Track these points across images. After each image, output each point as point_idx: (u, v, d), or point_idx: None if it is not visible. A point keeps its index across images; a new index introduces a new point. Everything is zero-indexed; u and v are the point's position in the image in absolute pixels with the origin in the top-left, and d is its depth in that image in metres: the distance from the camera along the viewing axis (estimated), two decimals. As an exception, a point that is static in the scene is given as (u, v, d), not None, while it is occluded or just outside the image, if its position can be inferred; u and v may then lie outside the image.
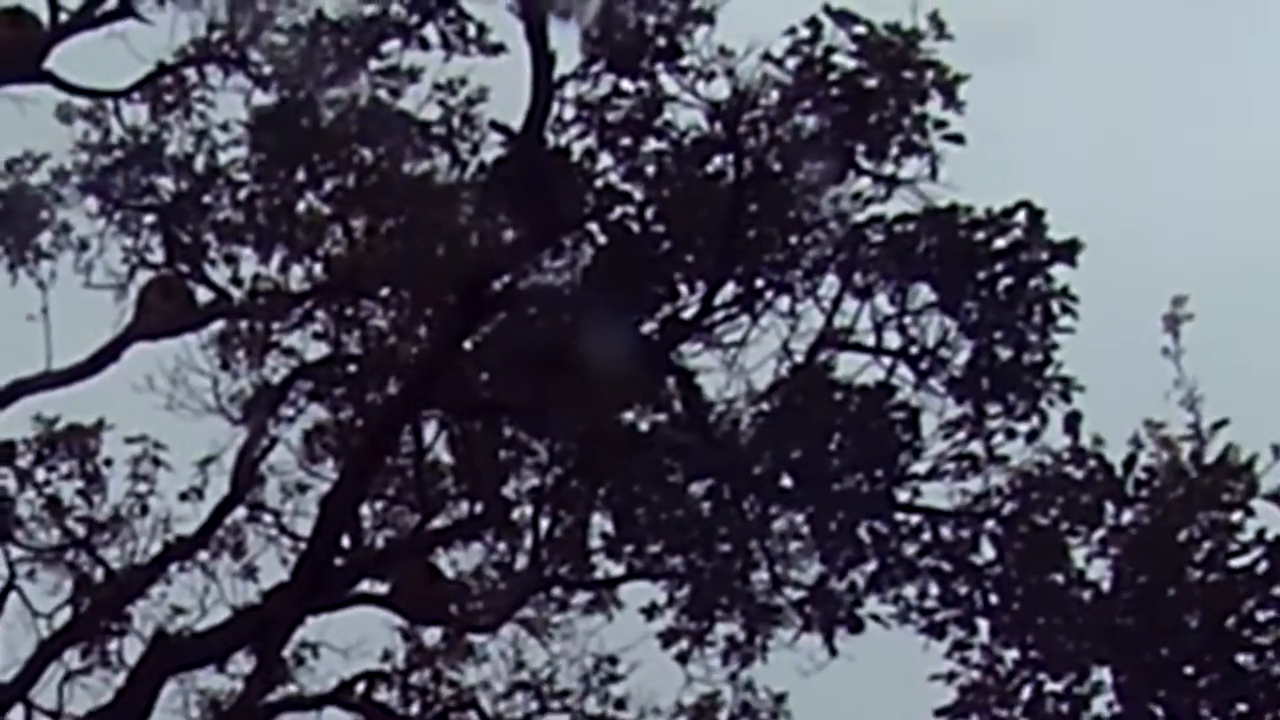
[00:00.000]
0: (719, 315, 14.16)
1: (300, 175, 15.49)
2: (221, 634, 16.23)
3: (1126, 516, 12.91)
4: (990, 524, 13.65)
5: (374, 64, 15.04)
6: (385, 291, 15.83)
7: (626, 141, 14.03)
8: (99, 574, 17.30)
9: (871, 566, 14.12)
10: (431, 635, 16.98)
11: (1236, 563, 12.39)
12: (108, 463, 17.01)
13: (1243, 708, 12.31)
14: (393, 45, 14.72)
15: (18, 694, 16.86)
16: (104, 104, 15.91)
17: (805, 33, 13.33)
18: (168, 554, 16.89)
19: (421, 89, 15.23)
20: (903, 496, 13.98)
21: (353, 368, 16.29)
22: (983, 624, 13.48)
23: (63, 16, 15.21)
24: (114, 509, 17.03)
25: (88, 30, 15.23)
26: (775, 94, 13.58)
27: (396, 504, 16.71)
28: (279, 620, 16.10)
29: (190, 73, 15.58)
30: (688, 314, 14.28)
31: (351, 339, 16.28)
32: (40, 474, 17.02)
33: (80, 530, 17.14)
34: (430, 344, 15.39)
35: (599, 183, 14.15)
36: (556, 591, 16.53)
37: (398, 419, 15.27)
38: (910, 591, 13.96)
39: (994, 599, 13.56)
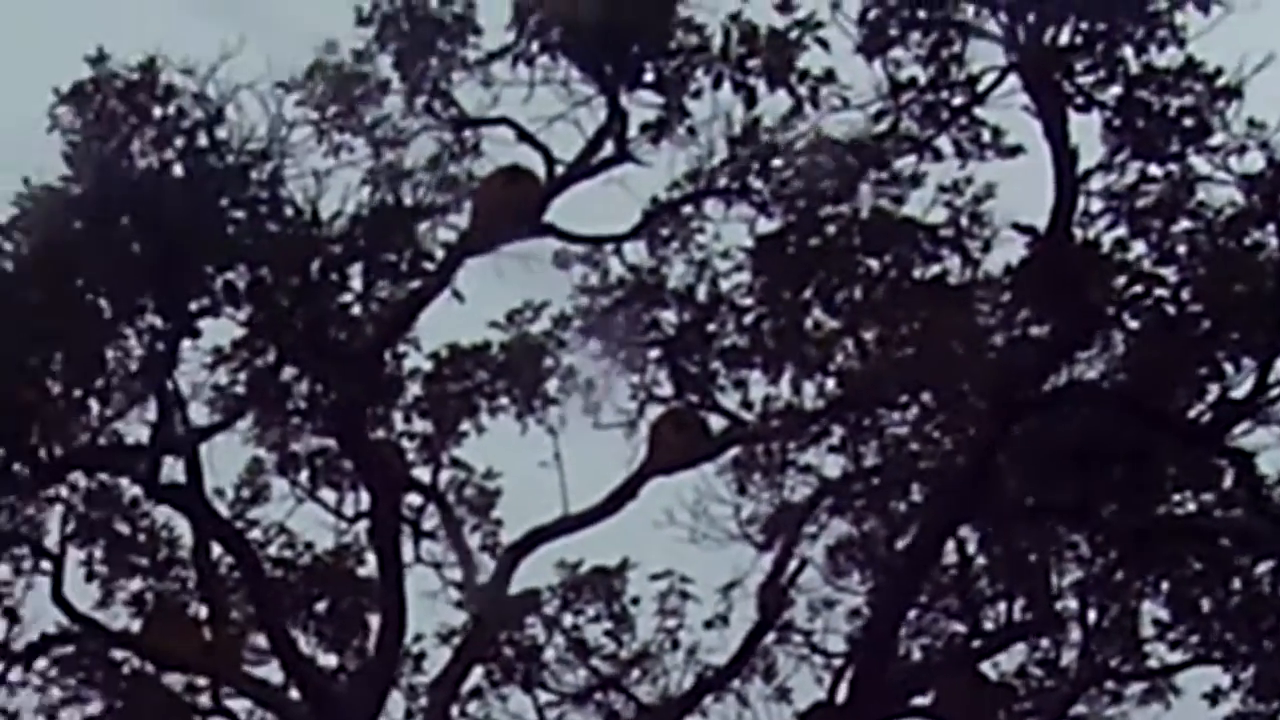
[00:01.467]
0: (1274, 393, 15.40)
1: (806, 293, 17.14)
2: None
3: None
4: None
5: (875, 174, 16.64)
6: (903, 399, 17.41)
7: (1157, 225, 15.39)
8: (630, 711, 19.22)
9: None
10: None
11: None
12: (634, 601, 18.93)
13: None
14: (905, 161, 16.28)
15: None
16: (602, 246, 17.84)
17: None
18: (701, 686, 18.67)
19: (925, 193, 16.81)
20: None
21: (874, 479, 17.91)
22: None
23: (559, 169, 17.14)
24: (643, 645, 18.93)
25: (584, 180, 17.12)
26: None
27: (929, 610, 18.25)
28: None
29: (688, 208, 17.37)
30: (1238, 393, 15.54)
31: (869, 450, 17.90)
32: (567, 619, 19.02)
33: (609, 669, 19.06)
34: (962, 451, 16.88)
35: (1130, 270, 15.50)
36: (1109, 684, 17.88)
37: (937, 532, 16.77)
38: None
39: None
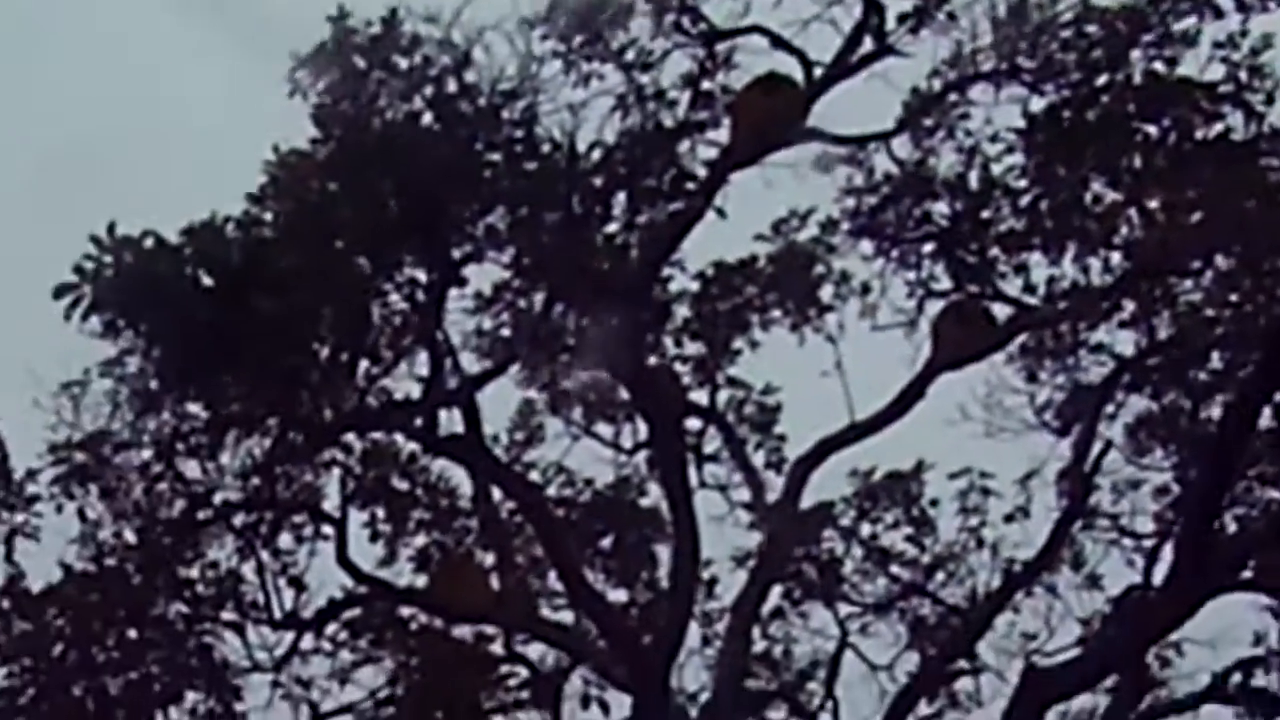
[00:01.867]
0: None
1: (1084, 168, 17.01)
2: (1095, 655, 17.95)
3: None
4: None
5: (1147, 38, 16.46)
6: (1196, 265, 17.27)
7: None
8: (936, 616, 19.34)
9: None
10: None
11: None
12: (933, 503, 19.00)
13: None
14: (1186, 22, 16.08)
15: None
16: (865, 145, 17.80)
17: None
18: (1009, 582, 18.73)
19: (1199, 51, 16.59)
20: None
21: (1171, 352, 17.78)
22: None
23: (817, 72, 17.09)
24: (945, 547, 19.01)
25: (844, 80, 17.08)
26: None
27: (1244, 478, 18.06)
28: (1150, 626, 17.72)
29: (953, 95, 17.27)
30: None
31: (1163, 322, 17.78)
32: (864, 528, 19.13)
33: (911, 576, 19.16)
34: (1263, 313, 16.72)
35: None
36: None
37: (1250, 398, 16.61)
38: None
39: None
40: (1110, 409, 18.05)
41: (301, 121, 17.06)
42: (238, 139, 18.31)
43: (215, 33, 20.61)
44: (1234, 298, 17.16)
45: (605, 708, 18.84)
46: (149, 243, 16.58)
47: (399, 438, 19.02)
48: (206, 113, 21.66)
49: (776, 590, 19.20)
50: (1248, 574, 17.79)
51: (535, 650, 19.87)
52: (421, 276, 17.49)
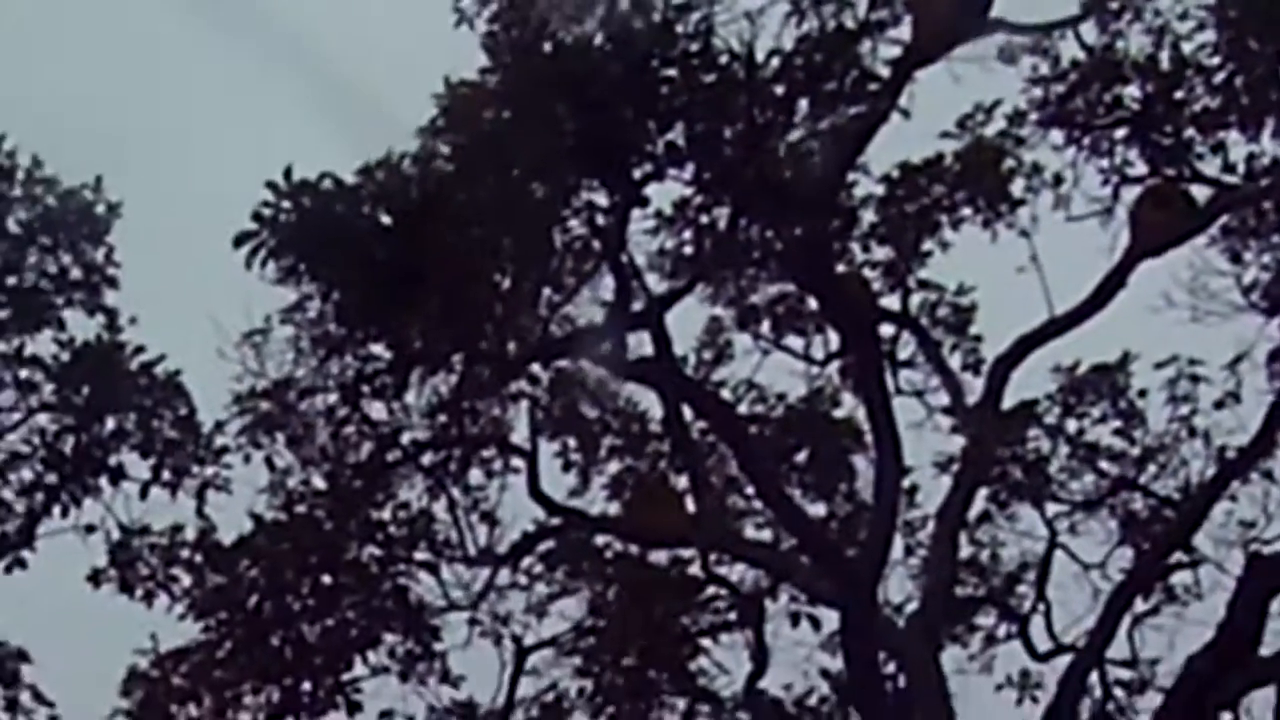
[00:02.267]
0: None
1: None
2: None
3: None
4: None
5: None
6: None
7: None
8: (1147, 510, 19.36)
9: None
10: None
11: None
12: (1141, 394, 19.00)
13: None
14: None
15: (1097, 654, 19.05)
16: (1048, 33, 17.73)
17: None
18: (1224, 471, 18.71)
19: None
20: None
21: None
22: None
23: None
24: (1155, 439, 19.02)
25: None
26: None
27: None
28: None
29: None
30: None
31: None
32: (1071, 424, 19.17)
33: (1121, 470, 19.18)
34: None
35: None
36: None
37: None
38: None
39: None
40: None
41: (471, 51, 17.14)
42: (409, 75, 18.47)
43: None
44: None
45: (816, 624, 19.04)
46: (326, 185, 16.77)
47: (586, 365, 19.18)
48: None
49: (982, 494, 19.23)
50: None
51: (734, 571, 20.04)
52: (601, 200, 17.58)
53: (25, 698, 19.78)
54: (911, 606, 19.27)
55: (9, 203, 18.65)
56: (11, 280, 18.85)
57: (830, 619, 18.80)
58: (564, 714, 20.14)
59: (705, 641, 19.87)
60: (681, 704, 19.90)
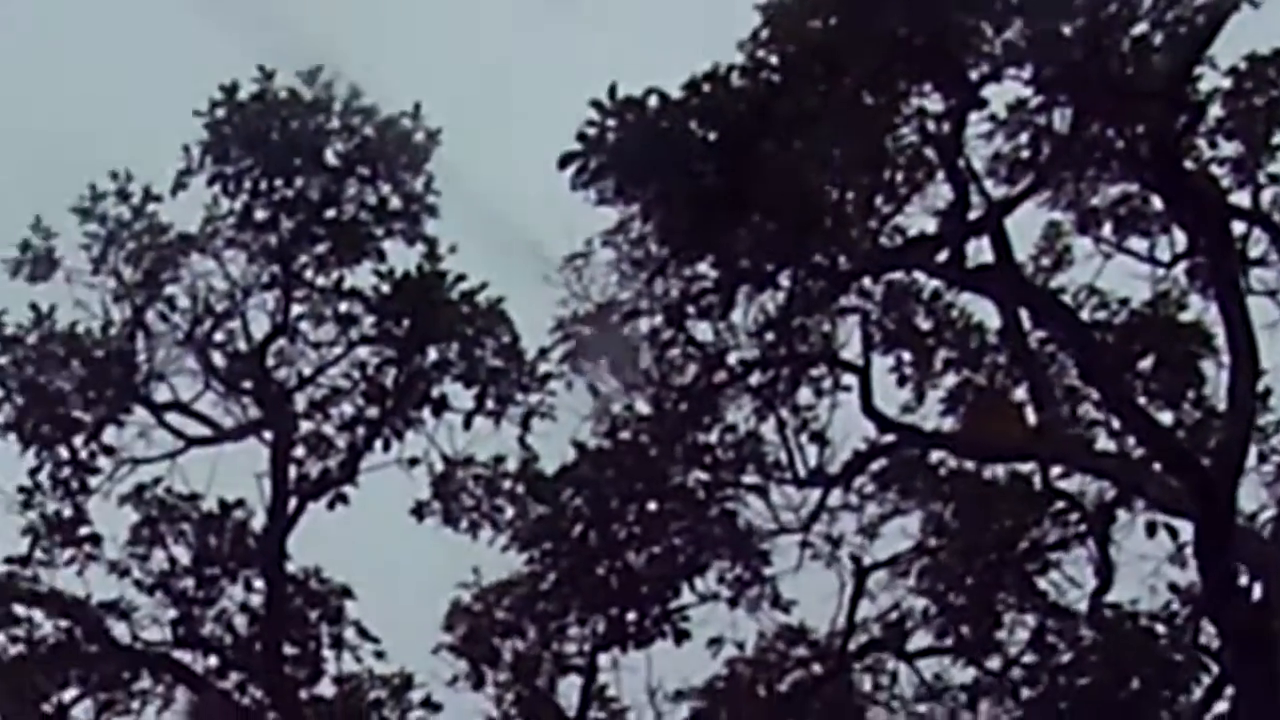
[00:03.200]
0: None
1: None
2: None
3: None
4: None
5: None
6: None
7: None
8: None
9: None
10: None
11: None
12: None
13: None
14: None
15: None
16: None
17: None
18: None
19: None
20: None
21: None
22: None
23: None
24: None
25: None
26: None
27: None
28: None
29: None
30: None
31: None
32: None
33: None
34: None
35: None
36: None
37: None
38: None
39: None
40: None
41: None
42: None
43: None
44: None
45: (1174, 534, 18.93)
46: (652, 101, 16.84)
47: (920, 276, 19.13)
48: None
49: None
50: None
51: (1076, 484, 19.93)
52: (934, 105, 17.49)
53: (350, 634, 20.14)
54: (1265, 515, 18.91)
55: (326, 135, 18.92)
56: (330, 213, 19.16)
57: (1185, 530, 18.55)
58: (905, 635, 20.09)
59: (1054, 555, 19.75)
60: (1030, 619, 19.71)
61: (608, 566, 19.84)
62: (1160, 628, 19.84)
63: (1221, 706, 19.09)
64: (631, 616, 19.83)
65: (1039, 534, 19.74)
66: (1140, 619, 19.80)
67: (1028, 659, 20.08)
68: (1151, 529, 18.85)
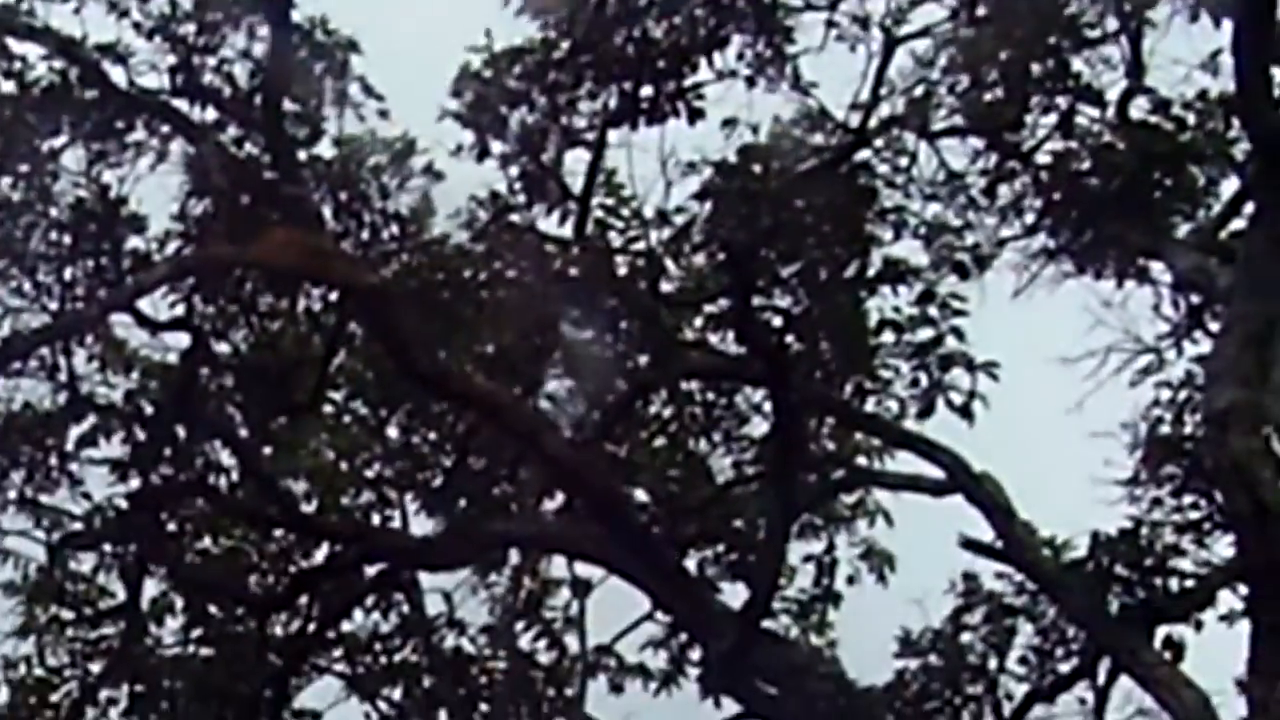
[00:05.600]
0: None
1: None
2: None
3: None
4: None
5: None
6: None
7: None
8: None
9: None
10: None
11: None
12: None
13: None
14: None
15: None
16: None
17: None
18: None
19: None
20: None
21: None
22: None
23: None
24: None
25: None
26: None
27: None
28: None
29: None
30: None
31: None
32: None
33: None
34: None
35: None
36: None
37: None
38: None
39: None
40: None
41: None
42: None
43: None
44: None
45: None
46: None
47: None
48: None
49: None
50: None
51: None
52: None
53: (354, 89, 20.35)
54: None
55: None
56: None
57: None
58: (929, 111, 20.32)
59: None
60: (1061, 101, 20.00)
61: (625, 35, 19.81)
62: (1191, 118, 19.88)
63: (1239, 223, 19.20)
64: (646, 91, 19.80)
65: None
66: (1173, 107, 19.84)
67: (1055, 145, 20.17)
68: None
